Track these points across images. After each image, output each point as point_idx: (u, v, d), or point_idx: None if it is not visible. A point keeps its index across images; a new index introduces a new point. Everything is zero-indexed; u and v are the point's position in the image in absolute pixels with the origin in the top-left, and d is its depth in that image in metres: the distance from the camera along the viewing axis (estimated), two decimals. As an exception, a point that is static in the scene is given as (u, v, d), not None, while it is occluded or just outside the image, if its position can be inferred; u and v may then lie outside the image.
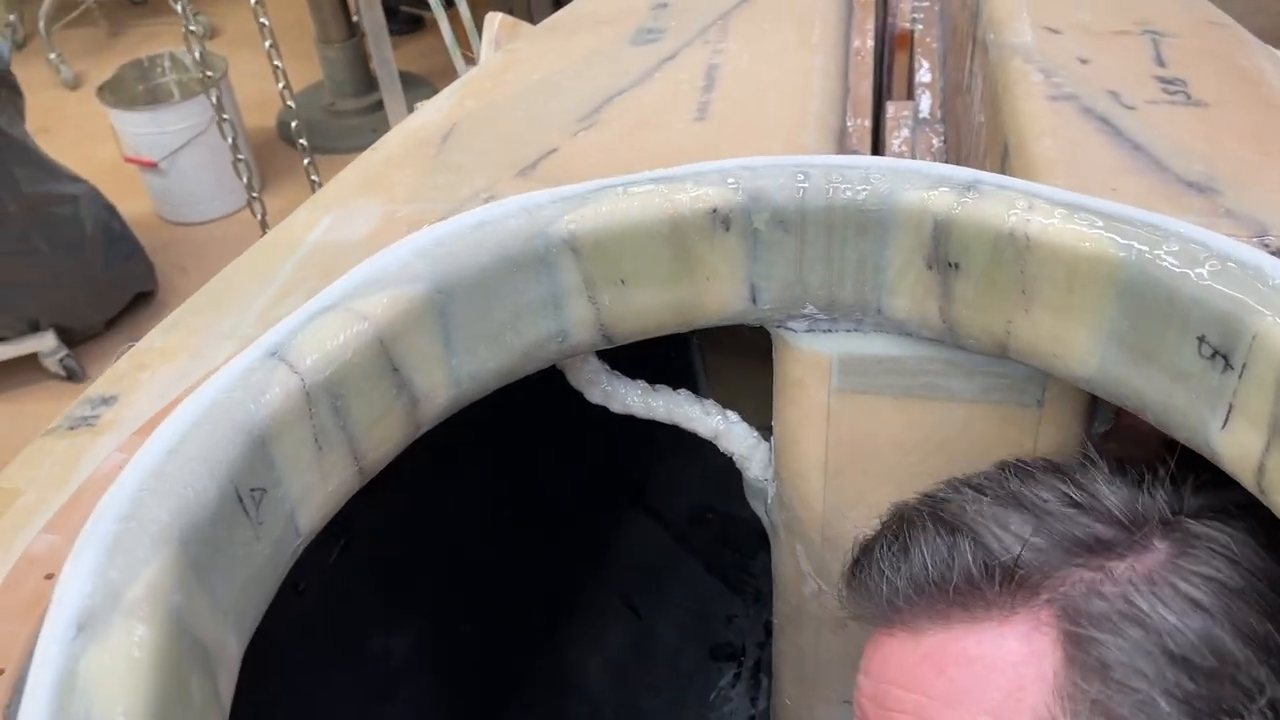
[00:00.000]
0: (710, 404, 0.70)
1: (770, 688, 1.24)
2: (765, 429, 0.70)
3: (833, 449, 0.63)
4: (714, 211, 0.54)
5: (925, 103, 1.23)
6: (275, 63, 1.76)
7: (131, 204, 2.62)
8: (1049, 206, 0.50)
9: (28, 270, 2.20)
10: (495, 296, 0.53)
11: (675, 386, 0.71)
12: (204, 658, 0.39)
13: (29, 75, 3.46)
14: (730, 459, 0.71)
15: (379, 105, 2.80)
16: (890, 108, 1.24)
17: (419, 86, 3.27)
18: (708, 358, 1.07)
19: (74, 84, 3.44)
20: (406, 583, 0.99)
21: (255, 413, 0.44)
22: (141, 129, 2.61)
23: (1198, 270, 0.45)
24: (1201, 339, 0.46)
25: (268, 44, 1.76)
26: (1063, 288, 0.49)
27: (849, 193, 0.54)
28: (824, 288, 0.57)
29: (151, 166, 2.67)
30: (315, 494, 0.48)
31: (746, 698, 1.31)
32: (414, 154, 0.76)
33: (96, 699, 0.33)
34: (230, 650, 0.42)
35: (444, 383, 0.53)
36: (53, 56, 3.41)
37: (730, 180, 0.54)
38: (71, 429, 0.58)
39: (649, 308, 0.57)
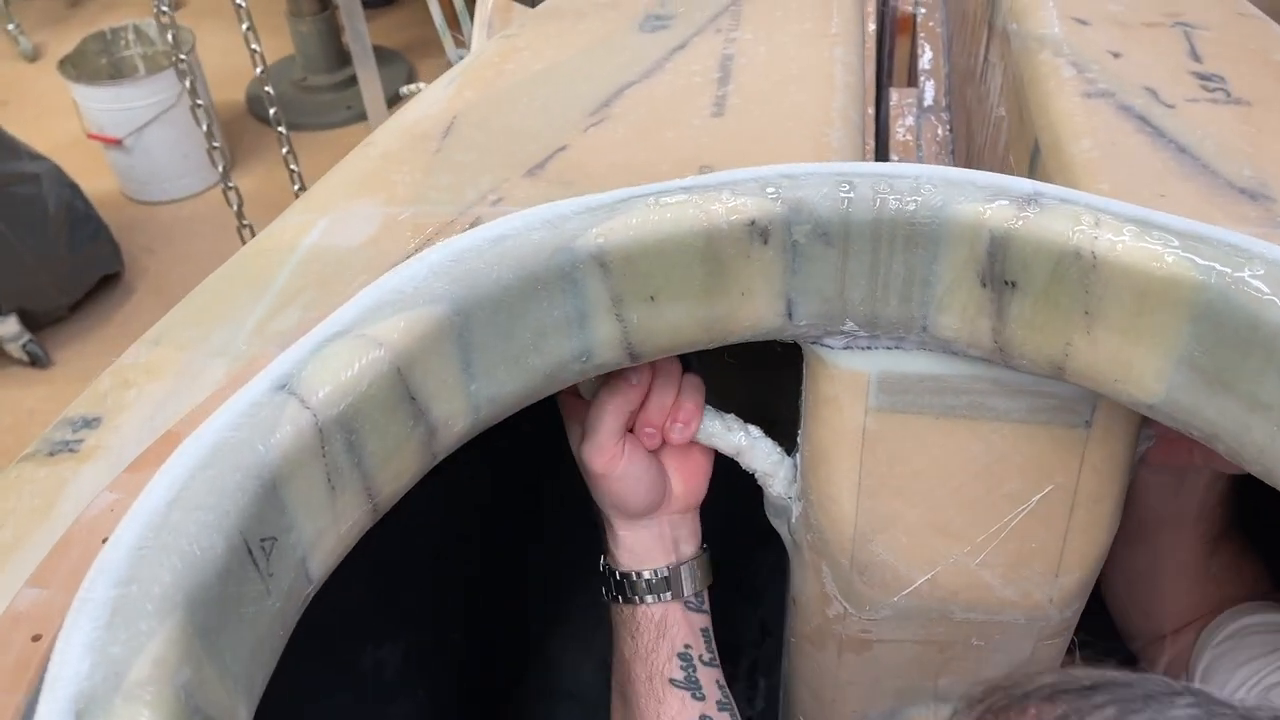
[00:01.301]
0: (732, 419, 0.66)
1: (770, 690, 1.22)
2: (777, 437, 0.67)
3: (867, 471, 0.60)
4: (752, 223, 0.50)
5: (930, 90, 1.20)
6: (253, 46, 1.69)
7: (95, 182, 2.53)
8: (1117, 223, 0.46)
9: (-12, 253, 2.12)
10: (517, 316, 0.49)
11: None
12: (215, 736, 0.35)
13: (-14, 47, 3.34)
14: (726, 457, 0.68)
15: (352, 80, 2.72)
16: (894, 95, 1.20)
17: (393, 61, 3.19)
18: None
19: (33, 56, 3.32)
20: (398, 590, 0.95)
21: (265, 455, 0.39)
22: (105, 104, 2.52)
23: (1286, 296, 0.42)
24: (1288, 369, 0.42)
25: (245, 26, 1.69)
26: (1131, 310, 0.46)
27: (898, 204, 0.50)
28: (866, 304, 0.53)
29: (116, 144, 2.58)
30: (328, 538, 0.44)
31: (743, 699, 1.28)
32: (413, 150, 0.71)
33: (100, 802, 0.29)
34: (240, 718, 0.38)
35: (462, 410, 0.49)
36: (11, 27, 3.29)
37: (770, 190, 0.50)
38: (51, 454, 0.53)
39: (678, 325, 0.53)
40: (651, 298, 0.52)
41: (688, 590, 0.70)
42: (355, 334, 0.44)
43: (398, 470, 0.47)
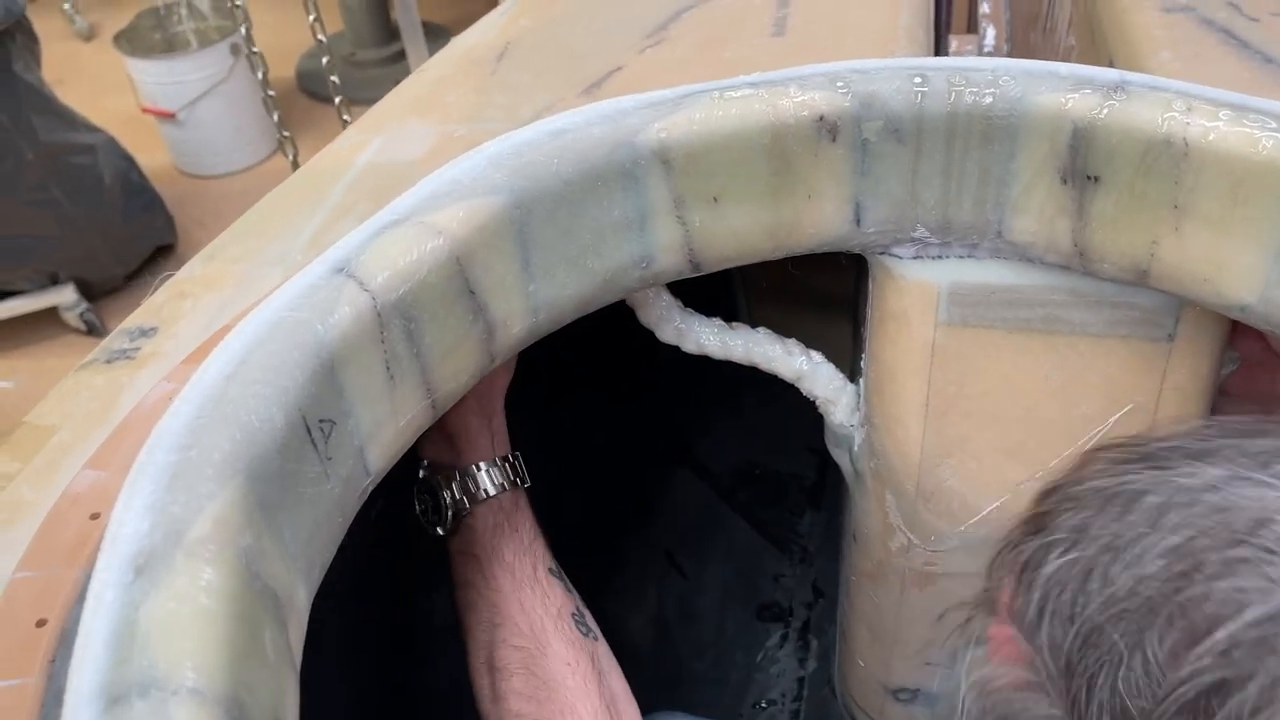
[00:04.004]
0: (793, 343, 0.64)
1: (823, 650, 1.20)
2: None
3: (935, 391, 0.57)
4: (820, 119, 0.48)
5: (990, 35, 1.17)
6: (311, 17, 1.69)
7: (149, 156, 2.56)
8: (1211, 108, 0.44)
9: (47, 221, 2.14)
10: (577, 213, 0.48)
11: (714, 310, 0.66)
12: (275, 607, 0.34)
13: (42, 26, 3.38)
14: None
15: (401, 55, 2.73)
16: (954, 41, 1.18)
17: (441, 36, 3.19)
18: (754, 308, 1.02)
19: (88, 35, 3.37)
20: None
21: (323, 334, 0.39)
22: (159, 78, 2.54)
23: (1396, 176, 0.40)
24: (1397, 254, 0.40)
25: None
26: (1226, 200, 0.44)
27: (973, 97, 0.48)
28: (938, 206, 0.51)
29: (169, 117, 2.60)
30: (386, 429, 0.43)
31: (794, 659, 1.26)
32: (468, 73, 0.70)
33: (161, 651, 0.28)
34: (299, 600, 0.37)
35: (521, 310, 0.48)
36: (66, 7, 3.34)
37: (840, 84, 0.49)
38: (109, 362, 0.53)
39: (742, 229, 0.52)
40: (715, 199, 0.50)
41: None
42: (414, 221, 0.43)
43: (456, 368, 0.45)
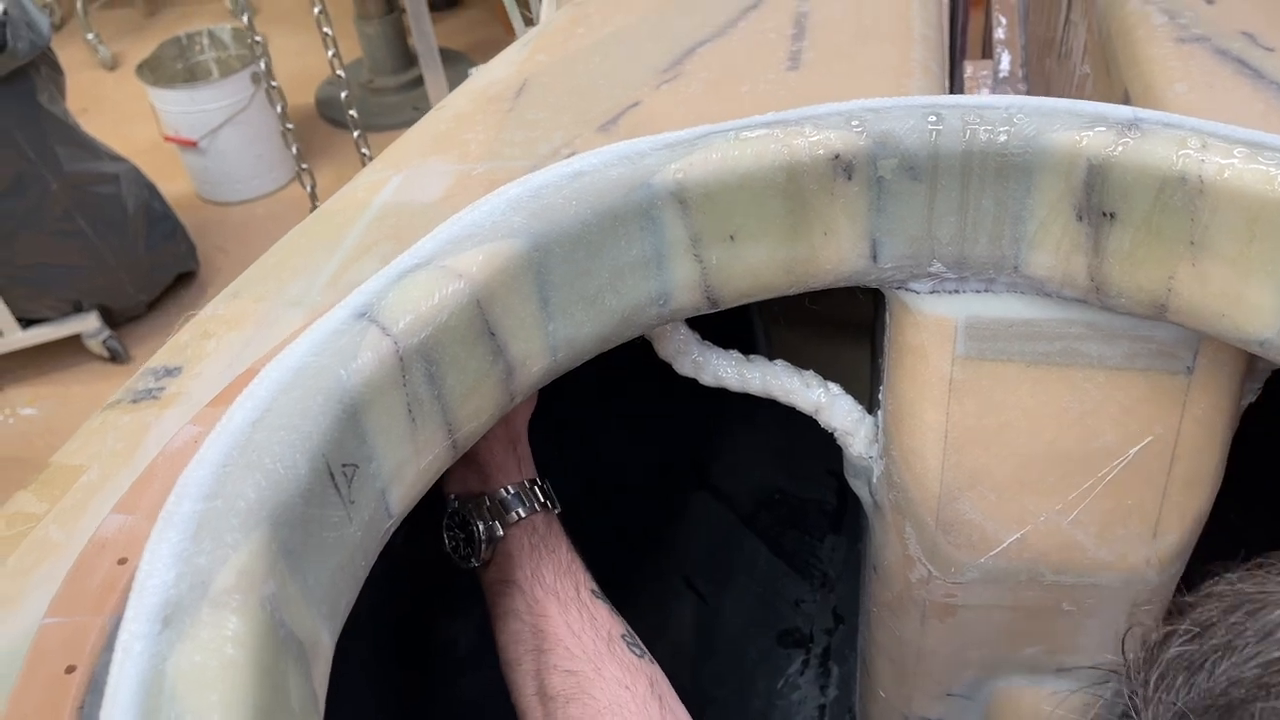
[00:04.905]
0: (810, 375, 0.64)
1: (844, 677, 1.19)
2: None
3: (953, 423, 0.58)
4: (836, 158, 0.49)
5: (1005, 60, 1.17)
6: (324, 29, 1.71)
7: (172, 185, 2.59)
8: (1226, 145, 0.44)
9: (71, 251, 2.17)
10: (595, 254, 0.48)
11: (732, 341, 0.66)
12: (299, 653, 0.34)
13: (67, 56, 3.44)
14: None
15: (418, 81, 2.75)
16: (968, 67, 1.18)
17: (458, 62, 3.22)
18: (772, 334, 1.02)
19: (112, 64, 3.41)
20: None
21: (346, 379, 0.39)
22: (180, 107, 2.57)
23: None
24: None
25: (317, 9, 1.72)
26: (1242, 237, 0.44)
27: (988, 134, 0.48)
28: (954, 243, 0.51)
29: (191, 146, 2.63)
30: (408, 471, 0.43)
31: (815, 686, 1.26)
32: (485, 111, 0.71)
33: (188, 702, 0.29)
34: (324, 644, 0.37)
35: (540, 350, 0.48)
36: (90, 37, 3.39)
37: (854, 123, 0.49)
38: (135, 402, 0.54)
39: (759, 266, 0.52)
40: (731, 237, 0.50)
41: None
42: (435, 265, 0.44)
43: (477, 407, 0.46)
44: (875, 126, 0.49)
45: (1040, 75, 1.07)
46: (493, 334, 0.45)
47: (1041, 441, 0.57)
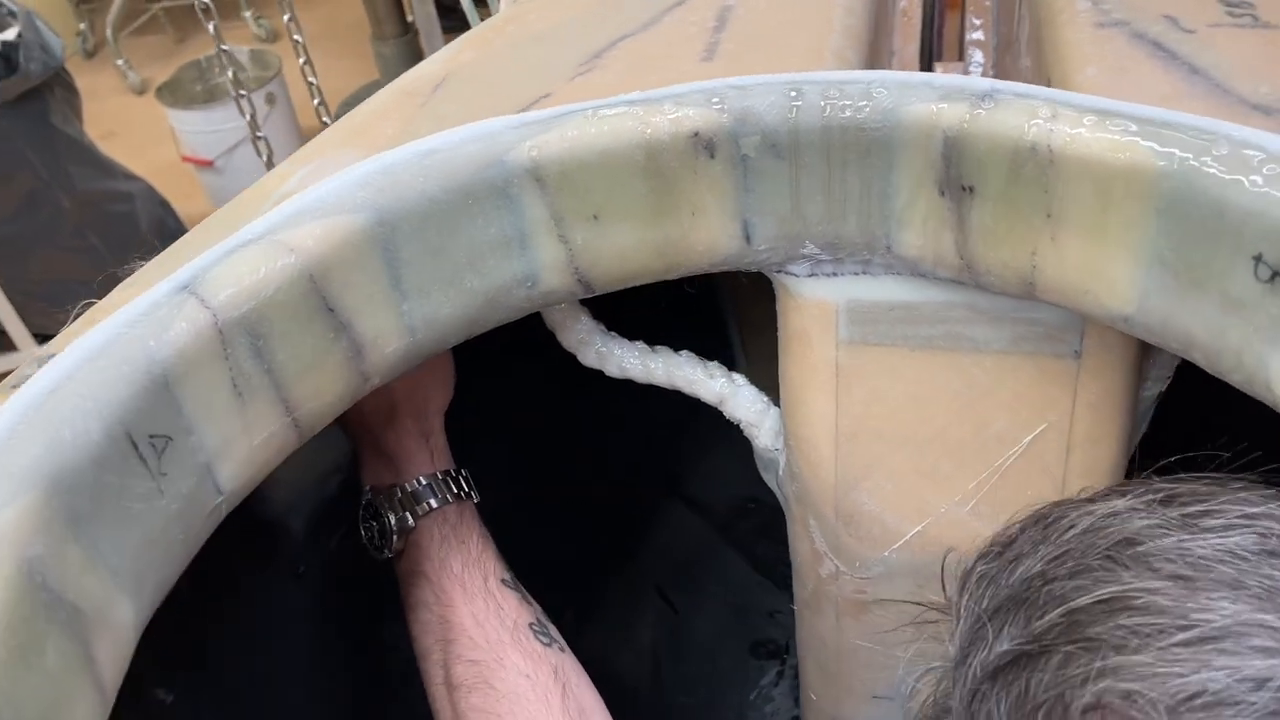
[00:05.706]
0: (715, 366, 0.63)
1: (809, 686, 1.17)
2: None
3: (843, 411, 0.56)
4: (695, 135, 0.48)
5: (978, 61, 1.15)
6: (309, 79, 1.76)
7: (189, 203, 2.64)
8: (1075, 114, 0.43)
9: (84, 267, 2.22)
10: (449, 233, 0.48)
11: (708, 350, 0.65)
12: (71, 618, 0.34)
13: (98, 82, 3.53)
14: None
15: (432, 100, 2.78)
16: (939, 69, 1.16)
17: (474, 83, 3.25)
18: (744, 317, 1.01)
19: (140, 89, 3.49)
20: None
21: (155, 350, 0.39)
22: (197, 127, 2.62)
23: (1252, 177, 0.38)
24: (1258, 258, 0.38)
25: (301, 61, 1.77)
26: (1094, 207, 0.42)
27: (849, 110, 0.47)
28: (825, 222, 0.50)
29: (208, 165, 2.68)
30: (237, 447, 0.43)
31: (790, 698, 1.23)
32: (400, 104, 0.71)
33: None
34: (120, 615, 0.37)
35: (393, 329, 0.48)
36: (120, 63, 3.47)
37: (715, 100, 0.48)
38: (15, 387, 0.54)
39: (628, 248, 0.51)
40: (595, 217, 0.50)
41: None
42: (268, 240, 0.43)
43: (318, 386, 0.45)
44: (736, 104, 0.48)
45: (1003, 73, 1.05)
46: (331, 310, 0.45)
47: (933, 429, 0.55)
